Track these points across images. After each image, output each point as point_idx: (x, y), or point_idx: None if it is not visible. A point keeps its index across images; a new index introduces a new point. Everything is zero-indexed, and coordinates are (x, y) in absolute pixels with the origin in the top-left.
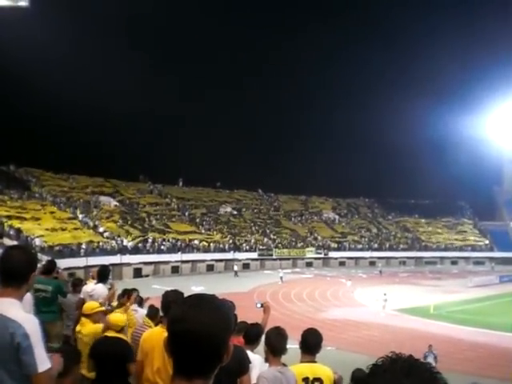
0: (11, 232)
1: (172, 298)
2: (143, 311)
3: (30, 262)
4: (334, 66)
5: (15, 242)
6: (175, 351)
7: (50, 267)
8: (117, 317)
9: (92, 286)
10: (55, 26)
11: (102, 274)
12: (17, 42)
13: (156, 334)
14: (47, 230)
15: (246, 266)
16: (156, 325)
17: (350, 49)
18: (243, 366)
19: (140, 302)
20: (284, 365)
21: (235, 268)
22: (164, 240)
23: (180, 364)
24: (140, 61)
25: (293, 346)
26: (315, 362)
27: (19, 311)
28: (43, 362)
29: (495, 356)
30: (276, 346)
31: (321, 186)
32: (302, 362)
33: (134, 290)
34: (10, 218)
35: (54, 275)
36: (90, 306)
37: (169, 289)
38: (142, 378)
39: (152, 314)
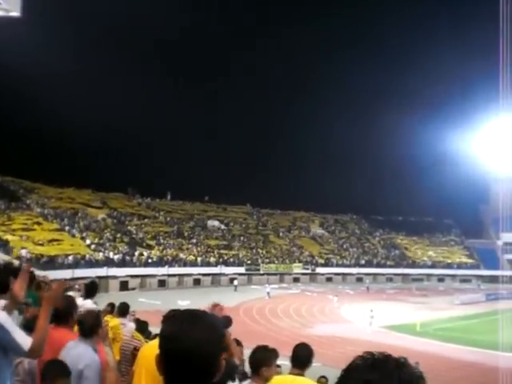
0: None
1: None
2: (132, 325)
3: (9, 269)
4: (321, 84)
5: (0, 254)
6: (168, 369)
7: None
8: None
9: (80, 302)
10: (50, 38)
11: (90, 289)
12: (10, 54)
13: (152, 346)
14: (34, 241)
15: (232, 281)
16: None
17: (337, 63)
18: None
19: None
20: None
21: (235, 283)
22: (151, 253)
23: (173, 382)
24: (131, 75)
25: (278, 361)
26: (302, 375)
27: None
28: (25, 340)
29: (481, 374)
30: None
31: (309, 202)
32: (289, 373)
33: (110, 304)
34: None
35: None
36: None
37: (157, 302)
38: None
39: (141, 327)
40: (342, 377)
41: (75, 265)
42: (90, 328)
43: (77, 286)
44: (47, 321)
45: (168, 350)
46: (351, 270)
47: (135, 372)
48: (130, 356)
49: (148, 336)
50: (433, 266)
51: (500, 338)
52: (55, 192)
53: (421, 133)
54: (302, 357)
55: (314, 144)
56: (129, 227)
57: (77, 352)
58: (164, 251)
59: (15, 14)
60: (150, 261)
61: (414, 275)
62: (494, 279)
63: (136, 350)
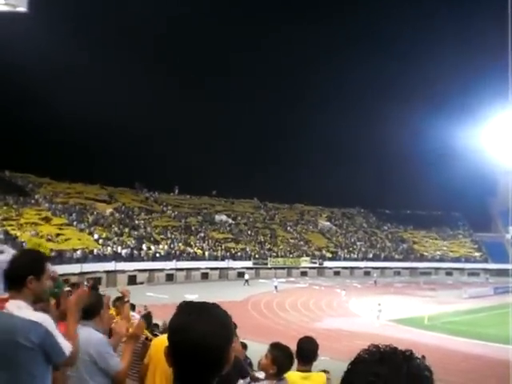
0: (6, 237)
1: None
2: (138, 318)
3: (28, 266)
4: (326, 79)
5: (9, 248)
6: (177, 361)
7: None
8: None
9: None
10: (56, 34)
11: (94, 288)
12: (17, 50)
13: (164, 339)
14: (42, 236)
15: (240, 275)
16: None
17: (343, 56)
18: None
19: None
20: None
21: (246, 277)
22: (159, 248)
23: (181, 374)
24: (137, 71)
25: None
26: (310, 371)
27: (32, 312)
28: (67, 346)
29: (489, 368)
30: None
31: (316, 196)
32: (297, 370)
33: (119, 298)
34: (4, 223)
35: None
36: None
37: (164, 296)
38: (145, 380)
39: (145, 320)
40: (349, 370)
41: (83, 259)
42: (92, 309)
43: (85, 283)
44: (77, 327)
45: (175, 341)
46: (359, 263)
47: (149, 364)
48: (137, 349)
49: (153, 329)
50: (441, 260)
51: (509, 331)
52: (63, 187)
53: (428, 126)
54: (306, 351)
55: (321, 138)
56: (136, 222)
57: (83, 338)
58: (172, 245)
59: (22, 9)
60: (157, 255)
61: (422, 269)
62: (502, 272)
63: (148, 340)
